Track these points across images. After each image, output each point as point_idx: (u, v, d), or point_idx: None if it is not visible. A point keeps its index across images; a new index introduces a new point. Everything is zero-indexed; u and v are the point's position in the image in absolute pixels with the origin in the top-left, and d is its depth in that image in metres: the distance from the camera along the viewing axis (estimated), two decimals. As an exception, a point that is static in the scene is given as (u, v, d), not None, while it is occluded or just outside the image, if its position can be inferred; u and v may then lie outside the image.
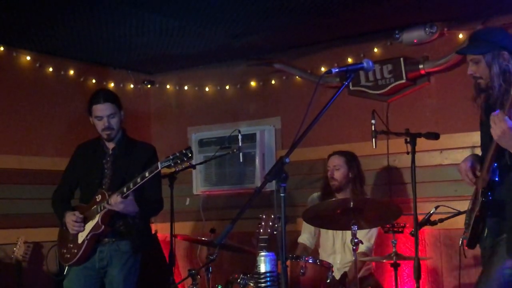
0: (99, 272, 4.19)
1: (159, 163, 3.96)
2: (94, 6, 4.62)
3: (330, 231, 4.89)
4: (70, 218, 4.17)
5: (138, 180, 3.97)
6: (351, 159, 4.91)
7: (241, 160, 5.64)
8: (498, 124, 2.92)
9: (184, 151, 3.92)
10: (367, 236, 4.73)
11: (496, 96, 3.11)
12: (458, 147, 4.99)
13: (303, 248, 5.00)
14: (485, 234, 3.18)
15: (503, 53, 3.11)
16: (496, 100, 3.11)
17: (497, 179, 3.07)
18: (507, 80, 3.05)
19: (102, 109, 4.19)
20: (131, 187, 3.98)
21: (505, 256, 3.06)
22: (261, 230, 4.03)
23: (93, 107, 4.23)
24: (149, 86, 6.65)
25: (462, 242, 3.28)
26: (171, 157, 3.93)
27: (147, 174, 3.96)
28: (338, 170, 4.86)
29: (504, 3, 4.65)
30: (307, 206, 4.65)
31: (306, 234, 5.05)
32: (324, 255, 4.88)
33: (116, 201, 3.98)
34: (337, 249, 4.86)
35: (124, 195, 3.99)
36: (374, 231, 4.79)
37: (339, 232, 4.84)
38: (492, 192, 3.08)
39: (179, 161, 3.92)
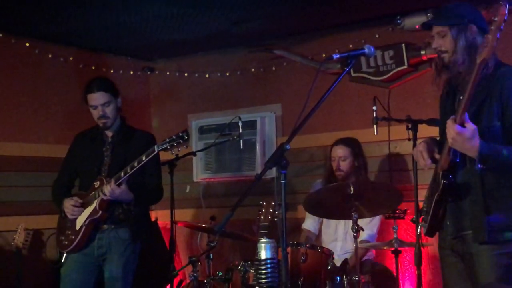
0: (97, 259, 4.18)
1: (155, 146, 3.96)
2: (93, -8, 4.59)
3: (332, 218, 4.88)
4: (69, 203, 4.16)
5: (135, 164, 3.96)
6: (356, 149, 4.87)
7: (241, 147, 5.61)
8: (449, 130, 2.81)
9: (180, 134, 3.91)
10: (370, 225, 4.72)
11: (459, 70, 2.97)
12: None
13: (307, 234, 5.00)
14: (447, 222, 3.02)
15: (471, 26, 2.98)
16: (458, 76, 2.98)
17: (458, 160, 2.91)
18: (471, 54, 2.90)
19: (95, 98, 4.18)
20: (128, 171, 3.98)
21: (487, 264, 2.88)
22: (262, 217, 4.02)
23: (87, 96, 4.23)
24: (149, 73, 6.61)
25: (420, 230, 3.07)
26: (167, 140, 3.93)
27: (144, 158, 3.96)
28: (344, 161, 4.81)
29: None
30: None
31: (310, 220, 5.03)
32: (325, 242, 4.88)
33: (109, 190, 3.98)
34: (339, 236, 4.85)
35: (118, 182, 3.98)
36: (377, 220, 4.78)
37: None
38: (453, 174, 2.94)
39: (175, 144, 3.91)
